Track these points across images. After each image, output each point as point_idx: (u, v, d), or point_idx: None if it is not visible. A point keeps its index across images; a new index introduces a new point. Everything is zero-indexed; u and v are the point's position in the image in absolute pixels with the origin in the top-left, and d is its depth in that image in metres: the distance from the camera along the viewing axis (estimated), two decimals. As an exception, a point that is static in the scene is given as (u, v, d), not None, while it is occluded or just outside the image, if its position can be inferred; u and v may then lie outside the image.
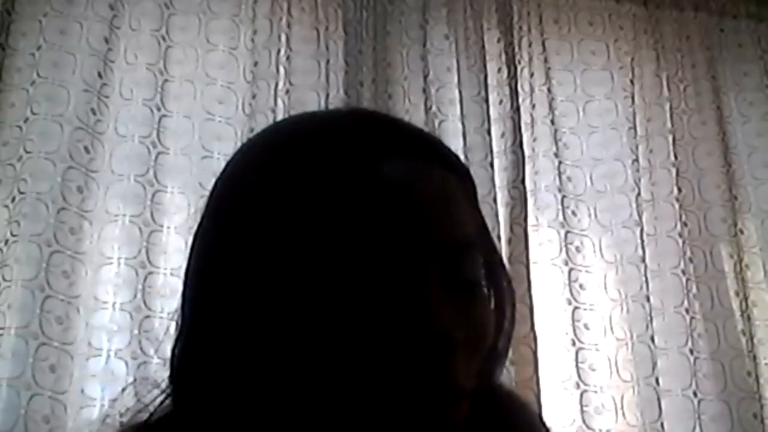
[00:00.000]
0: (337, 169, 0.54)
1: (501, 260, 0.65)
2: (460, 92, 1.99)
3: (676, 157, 2.11)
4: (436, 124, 1.96)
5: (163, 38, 1.89)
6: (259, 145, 0.62)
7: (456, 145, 1.94)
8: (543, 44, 2.14)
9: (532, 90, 2.07)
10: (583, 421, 1.82)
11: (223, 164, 0.63)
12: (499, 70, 2.07)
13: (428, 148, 0.60)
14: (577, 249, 1.96)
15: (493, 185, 1.91)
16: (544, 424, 0.69)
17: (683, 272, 2.00)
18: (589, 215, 2.01)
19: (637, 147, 2.09)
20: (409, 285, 0.52)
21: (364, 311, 0.52)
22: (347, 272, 0.52)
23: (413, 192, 0.55)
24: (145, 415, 0.59)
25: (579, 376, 1.85)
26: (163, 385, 0.59)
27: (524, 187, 1.94)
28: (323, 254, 0.52)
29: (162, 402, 0.59)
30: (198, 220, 0.61)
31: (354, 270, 0.52)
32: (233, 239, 0.56)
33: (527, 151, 2.00)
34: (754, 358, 1.95)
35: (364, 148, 0.55)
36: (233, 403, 0.54)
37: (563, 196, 1.99)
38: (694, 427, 1.89)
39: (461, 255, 0.56)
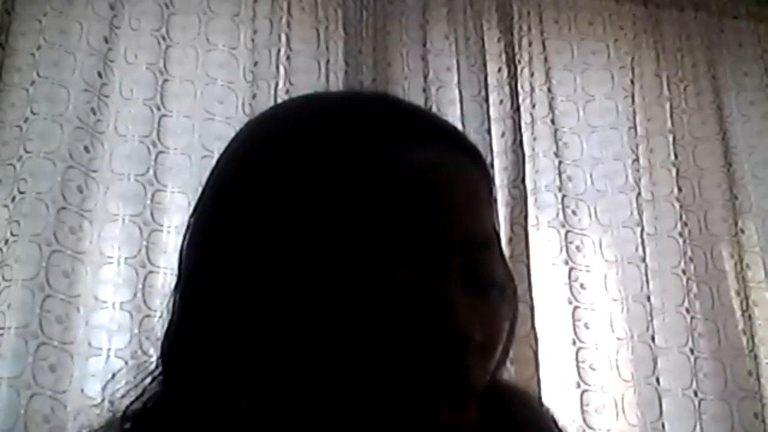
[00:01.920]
0: (351, 152, 0.50)
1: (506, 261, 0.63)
2: (460, 92, 1.99)
3: (676, 157, 2.11)
4: (436, 123, 1.96)
5: (163, 38, 1.89)
6: (263, 129, 0.58)
7: (456, 144, 1.94)
8: (543, 44, 2.14)
9: (532, 90, 2.07)
10: (584, 421, 1.81)
11: None
12: (499, 70, 2.07)
13: (453, 138, 0.56)
14: (578, 248, 1.96)
15: (494, 185, 1.90)
16: (553, 420, 0.68)
17: (684, 272, 2.00)
18: (590, 215, 2.01)
19: (637, 146, 2.09)
20: (429, 280, 0.50)
21: (377, 305, 0.49)
22: (358, 263, 0.49)
23: (434, 180, 0.52)
24: (137, 403, 0.57)
25: (579, 375, 1.85)
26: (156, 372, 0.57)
27: (524, 187, 1.94)
28: (332, 243, 0.49)
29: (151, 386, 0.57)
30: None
31: (366, 261, 0.49)
32: (235, 224, 0.53)
33: (527, 151, 2.00)
34: (755, 357, 1.95)
35: (383, 132, 0.52)
36: (228, 392, 0.52)
37: (563, 196, 1.99)
38: (695, 427, 1.89)
39: (482, 252, 0.53)
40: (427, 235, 0.50)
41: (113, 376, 0.59)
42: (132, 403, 0.57)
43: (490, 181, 0.59)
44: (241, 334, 0.51)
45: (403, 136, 0.52)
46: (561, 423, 0.68)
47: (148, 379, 0.57)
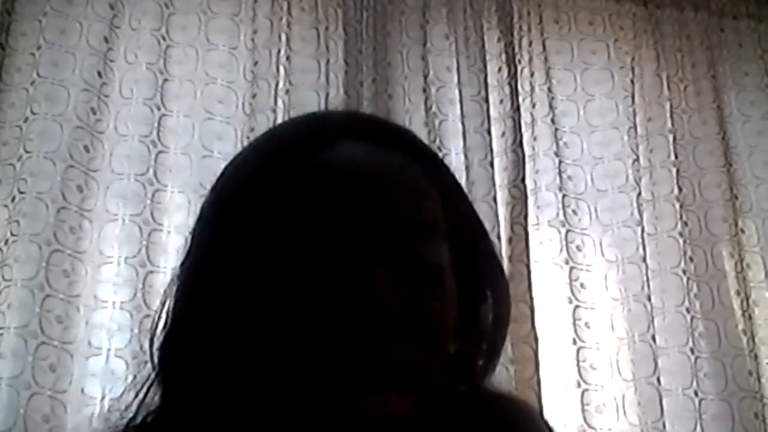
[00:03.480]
0: (277, 163, 0.56)
1: (491, 254, 0.63)
2: (460, 92, 1.99)
3: (676, 157, 2.11)
4: (436, 124, 1.96)
5: (163, 38, 1.89)
6: (240, 154, 0.64)
7: (456, 145, 1.95)
8: (543, 44, 2.14)
9: (532, 89, 2.07)
10: (584, 420, 1.81)
11: (223, 164, 0.63)
12: (499, 69, 2.07)
13: (388, 134, 0.60)
14: (578, 248, 1.96)
15: (494, 185, 1.91)
16: (547, 427, 0.68)
17: (684, 271, 2.00)
18: (590, 214, 2.01)
19: (637, 146, 2.09)
20: (354, 263, 0.52)
21: (309, 292, 0.52)
22: (291, 257, 0.53)
23: (358, 171, 0.55)
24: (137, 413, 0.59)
25: (580, 375, 1.85)
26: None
27: (525, 187, 1.94)
28: (272, 242, 0.53)
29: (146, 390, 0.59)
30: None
31: (297, 254, 0.53)
32: (210, 241, 0.58)
33: (527, 151, 2.00)
34: (755, 357, 1.94)
35: (308, 140, 0.57)
36: (214, 384, 0.54)
37: (564, 195, 1.99)
38: (695, 427, 1.88)
39: (417, 237, 0.54)
40: (341, 223, 0.53)
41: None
42: (132, 418, 0.58)
43: (438, 175, 0.60)
44: (223, 339, 0.55)
45: (330, 136, 0.57)
46: None
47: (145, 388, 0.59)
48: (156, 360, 0.58)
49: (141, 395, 0.58)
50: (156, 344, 0.58)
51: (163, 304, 0.59)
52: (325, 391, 0.51)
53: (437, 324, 0.54)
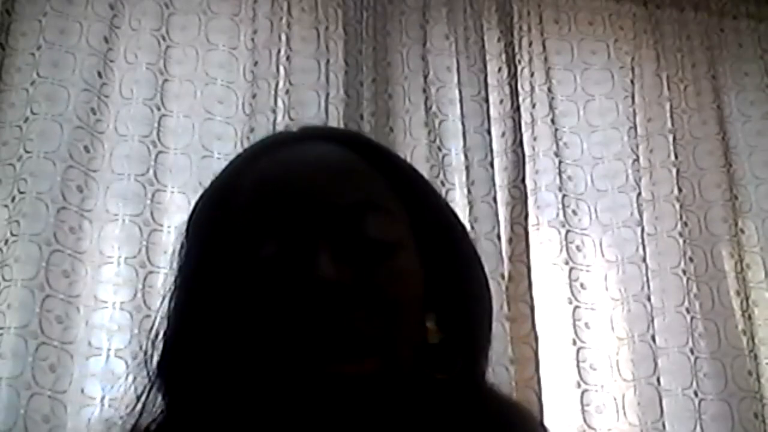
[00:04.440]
0: (229, 173, 0.62)
1: (456, 235, 0.64)
2: (460, 92, 1.99)
3: (676, 157, 2.11)
4: (436, 124, 1.96)
5: (163, 38, 1.89)
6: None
7: (456, 145, 1.95)
8: (543, 44, 2.14)
9: (532, 89, 2.07)
10: (584, 421, 1.81)
11: (223, 164, 0.65)
12: (499, 70, 2.07)
13: (333, 135, 0.64)
14: (578, 248, 1.96)
15: (494, 185, 1.91)
16: (542, 427, 0.68)
17: (684, 272, 2.00)
18: (590, 214, 2.01)
19: (637, 146, 2.09)
20: (297, 247, 0.55)
21: (254, 283, 0.55)
22: (235, 254, 0.56)
23: (289, 166, 0.59)
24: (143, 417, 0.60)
25: (580, 375, 1.85)
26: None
27: (525, 187, 1.94)
28: (223, 242, 0.57)
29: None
30: None
31: (238, 250, 0.56)
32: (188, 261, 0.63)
33: (527, 151, 2.00)
34: (755, 357, 1.94)
35: (254, 153, 0.63)
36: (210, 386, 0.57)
37: (564, 196, 1.99)
38: (695, 427, 1.88)
39: (360, 215, 0.57)
40: (280, 212, 0.56)
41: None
42: (134, 426, 0.60)
43: (386, 163, 0.63)
44: (211, 348, 0.57)
45: (266, 150, 0.63)
46: None
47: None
48: (155, 369, 0.60)
49: (142, 400, 0.60)
50: (150, 349, 0.61)
51: (151, 328, 0.62)
52: (296, 369, 0.53)
53: (393, 294, 0.56)
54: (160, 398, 0.60)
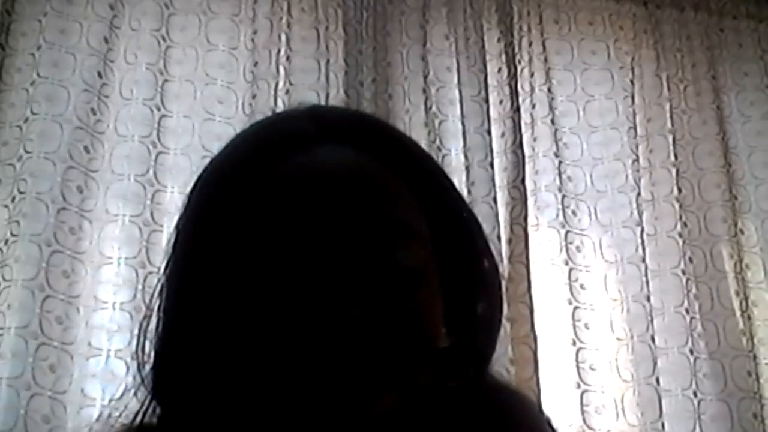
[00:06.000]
0: (238, 172, 0.56)
1: (479, 256, 0.61)
2: (460, 92, 1.99)
3: (676, 157, 2.11)
4: (436, 124, 1.96)
5: (163, 38, 1.89)
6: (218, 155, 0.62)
7: (456, 145, 1.95)
8: (543, 44, 2.14)
9: (532, 90, 2.07)
10: (584, 421, 1.81)
11: None
12: (499, 70, 2.07)
13: (360, 133, 0.59)
14: (578, 249, 1.96)
15: (493, 185, 1.91)
16: (548, 422, 0.68)
17: (683, 272, 2.00)
18: (590, 215, 2.01)
19: (637, 147, 2.09)
20: (324, 275, 0.51)
21: (275, 309, 0.51)
22: (262, 274, 0.52)
23: (313, 183, 0.54)
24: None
25: (579, 375, 1.85)
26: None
27: (524, 187, 1.94)
28: (241, 253, 0.53)
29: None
30: None
31: (266, 269, 0.52)
32: (185, 254, 0.59)
33: (527, 151, 2.00)
34: (755, 358, 1.95)
35: (266, 150, 0.56)
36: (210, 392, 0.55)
37: (563, 196, 1.99)
38: (695, 427, 1.89)
39: (388, 242, 0.53)
40: (307, 236, 0.52)
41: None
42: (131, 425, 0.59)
43: (398, 161, 0.59)
44: (210, 360, 0.55)
45: (280, 149, 0.56)
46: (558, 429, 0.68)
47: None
48: (150, 380, 0.59)
49: (139, 403, 0.59)
50: (144, 359, 0.60)
51: (144, 330, 0.61)
52: (310, 405, 0.51)
53: (419, 328, 0.54)
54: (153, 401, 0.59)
